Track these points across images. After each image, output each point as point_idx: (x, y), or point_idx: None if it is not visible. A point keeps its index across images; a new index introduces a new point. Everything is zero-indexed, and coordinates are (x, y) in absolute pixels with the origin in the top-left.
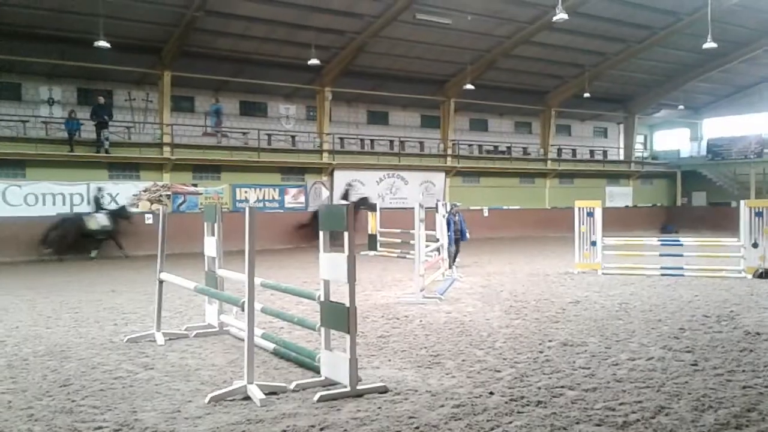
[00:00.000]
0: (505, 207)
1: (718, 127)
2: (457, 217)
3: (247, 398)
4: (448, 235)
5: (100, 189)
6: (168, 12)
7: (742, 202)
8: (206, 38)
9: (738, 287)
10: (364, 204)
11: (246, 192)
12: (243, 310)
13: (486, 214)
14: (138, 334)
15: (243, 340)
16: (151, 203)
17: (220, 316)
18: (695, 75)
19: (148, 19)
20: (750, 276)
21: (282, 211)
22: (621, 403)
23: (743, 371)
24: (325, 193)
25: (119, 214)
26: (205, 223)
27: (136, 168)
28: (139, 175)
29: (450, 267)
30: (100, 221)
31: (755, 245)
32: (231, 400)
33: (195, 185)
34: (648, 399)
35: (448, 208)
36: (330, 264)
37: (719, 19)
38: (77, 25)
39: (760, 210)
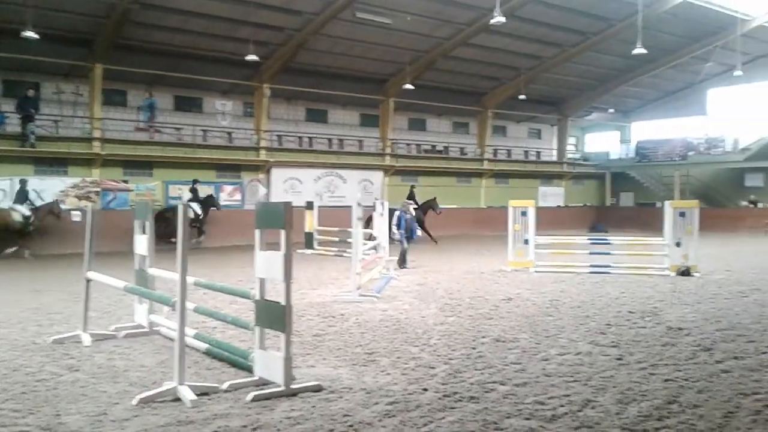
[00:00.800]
0: (442, 206)
1: (646, 130)
2: (408, 216)
3: (178, 399)
4: (400, 233)
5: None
6: (101, 3)
7: (666, 202)
8: (141, 31)
9: (662, 284)
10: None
11: (180, 189)
12: (174, 309)
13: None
14: (63, 335)
15: (174, 340)
16: (79, 200)
17: (150, 316)
18: (625, 80)
19: (80, 10)
20: (673, 273)
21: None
22: (550, 397)
23: (665, 365)
24: (262, 190)
25: (209, 203)
26: (136, 221)
27: (64, 163)
28: (67, 170)
29: (401, 266)
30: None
31: (678, 244)
32: (160, 402)
33: (126, 182)
34: (575, 393)
35: (404, 206)
36: (266, 262)
37: (649, 26)
38: (4, 14)
39: (683, 210)
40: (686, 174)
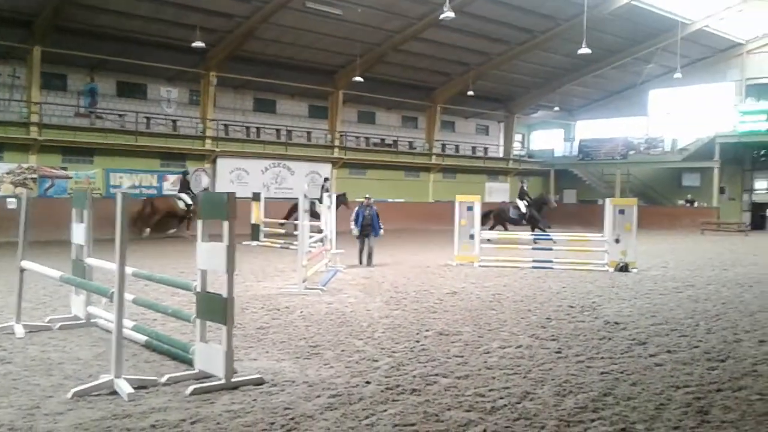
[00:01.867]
0: (390, 200)
1: (590, 129)
2: (368, 211)
3: (114, 393)
4: (358, 229)
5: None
6: None
7: (607, 200)
8: (84, 13)
9: (601, 280)
10: (342, 200)
11: (121, 177)
12: (112, 300)
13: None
14: None
15: (111, 332)
16: (15, 186)
17: (87, 308)
18: (570, 79)
19: None
20: (612, 269)
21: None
22: (490, 390)
23: (602, 358)
24: (206, 180)
25: (339, 201)
26: (74, 209)
27: (0, 148)
28: (2, 156)
29: (361, 262)
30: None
31: (617, 241)
32: (96, 395)
33: (64, 168)
34: (515, 385)
35: (363, 199)
36: (208, 254)
37: (594, 27)
38: None
39: (623, 208)
40: (627, 173)
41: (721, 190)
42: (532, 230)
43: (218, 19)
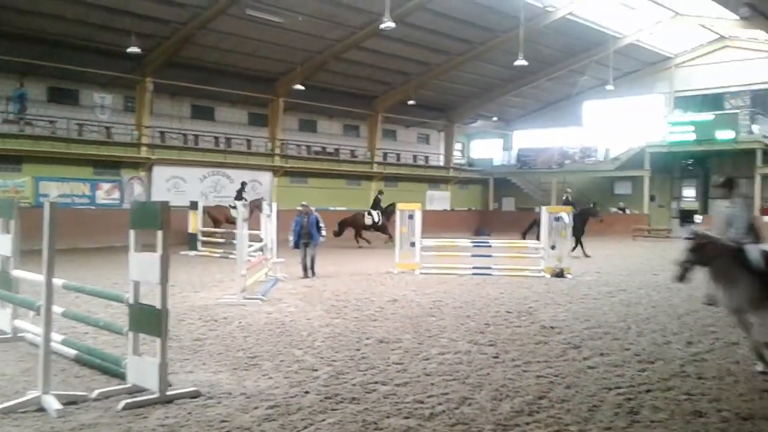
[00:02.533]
0: (332, 208)
1: (527, 138)
2: (306, 219)
3: (42, 409)
4: (294, 240)
5: None
6: None
7: (543, 208)
8: (13, 17)
9: (537, 285)
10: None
11: (51, 186)
12: (39, 313)
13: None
14: None
15: (39, 346)
16: None
17: (13, 321)
18: (508, 90)
19: None
20: (548, 275)
21: (93, 207)
22: (429, 396)
23: (538, 362)
24: (137, 189)
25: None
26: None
27: None
28: None
29: (305, 274)
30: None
31: (553, 247)
32: (23, 412)
33: None
34: (454, 390)
35: (300, 208)
36: (141, 264)
37: (531, 40)
38: None
39: (558, 215)
40: (563, 181)
41: (652, 198)
42: (576, 244)
43: (154, 25)
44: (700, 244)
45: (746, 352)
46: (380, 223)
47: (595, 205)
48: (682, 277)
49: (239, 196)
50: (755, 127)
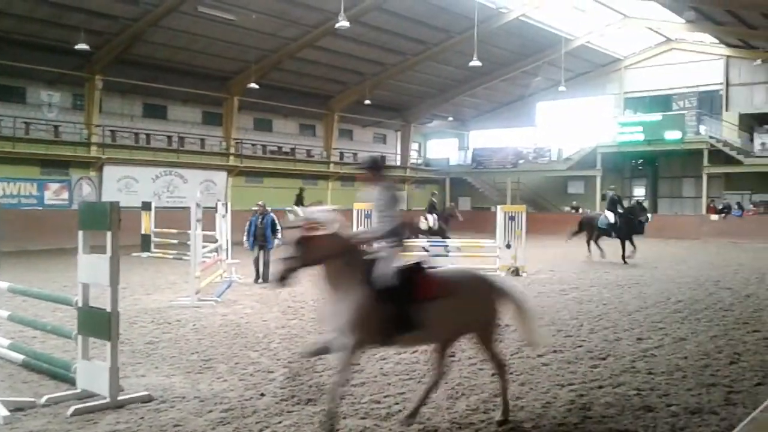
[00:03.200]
0: (288, 208)
1: (483, 138)
2: (262, 220)
3: None
4: (249, 242)
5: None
6: None
7: (498, 207)
8: None
9: None
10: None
11: (0, 186)
12: None
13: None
14: None
15: None
16: None
17: None
18: (463, 90)
19: None
20: (504, 273)
21: (41, 208)
22: (385, 396)
23: None
24: (86, 189)
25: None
26: None
27: None
28: None
29: (257, 278)
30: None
31: (508, 246)
32: None
33: None
34: (410, 390)
35: (255, 207)
36: (90, 266)
37: (485, 41)
38: None
39: (513, 214)
40: (517, 180)
41: (603, 197)
42: (624, 249)
43: (103, 21)
44: (305, 237)
45: (694, 347)
46: (436, 227)
47: (641, 204)
48: (283, 279)
49: (299, 201)
50: (702, 128)
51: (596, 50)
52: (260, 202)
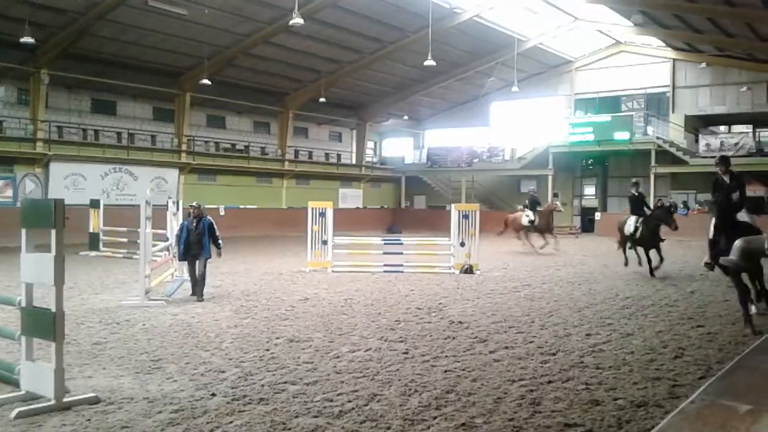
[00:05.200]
0: (242, 206)
1: (438, 138)
2: (197, 225)
3: None
4: (180, 251)
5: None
6: None
7: (452, 205)
8: None
9: (447, 281)
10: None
11: None
12: None
13: (222, 213)
14: None
15: None
16: None
17: None
18: (418, 89)
19: None
20: (458, 271)
21: None
22: (339, 394)
23: (446, 357)
24: (30, 185)
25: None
26: None
27: None
28: None
29: (193, 293)
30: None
31: (462, 244)
32: None
33: None
34: (363, 388)
35: (189, 209)
36: (33, 265)
37: (439, 41)
38: None
39: (467, 213)
40: (472, 179)
41: (555, 196)
42: (648, 257)
43: (49, 14)
44: None
45: (641, 342)
46: (537, 222)
47: (672, 206)
48: None
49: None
50: (650, 129)
51: (548, 51)
52: (194, 203)
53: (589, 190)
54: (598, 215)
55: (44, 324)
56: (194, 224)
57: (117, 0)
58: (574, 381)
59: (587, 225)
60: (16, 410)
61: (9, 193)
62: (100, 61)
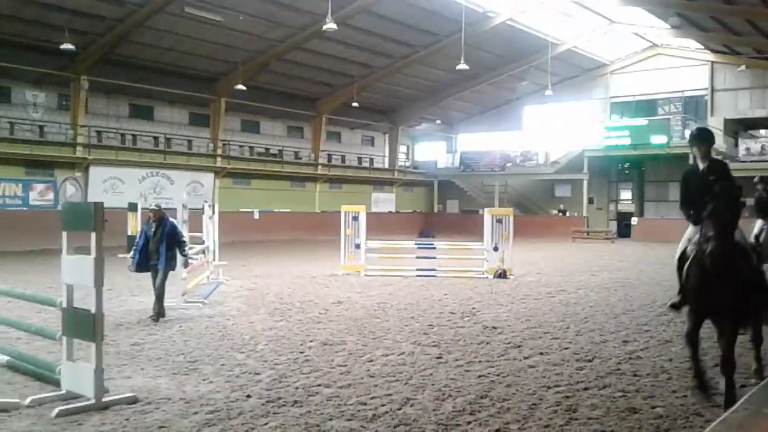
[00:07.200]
0: (276, 210)
1: (470, 141)
2: (155, 230)
3: None
4: (136, 259)
5: None
6: None
7: (485, 210)
8: None
9: (481, 286)
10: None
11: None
12: None
13: (257, 216)
14: None
15: None
16: None
17: None
18: (451, 93)
19: None
20: (491, 276)
21: (26, 209)
22: (372, 397)
23: (479, 362)
24: (70, 189)
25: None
26: None
27: None
28: None
29: (154, 316)
30: None
31: (496, 249)
32: None
33: None
34: (397, 392)
35: (148, 212)
36: (74, 267)
37: (472, 45)
38: None
39: (501, 217)
40: (505, 184)
41: (590, 201)
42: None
43: (88, 21)
44: None
45: (679, 350)
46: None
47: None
48: None
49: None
50: (687, 133)
51: (582, 55)
52: (154, 205)
53: (626, 195)
54: (634, 220)
55: (84, 325)
56: (153, 229)
57: (154, 7)
58: (611, 388)
59: (624, 230)
60: (58, 409)
61: (50, 196)
62: (137, 67)
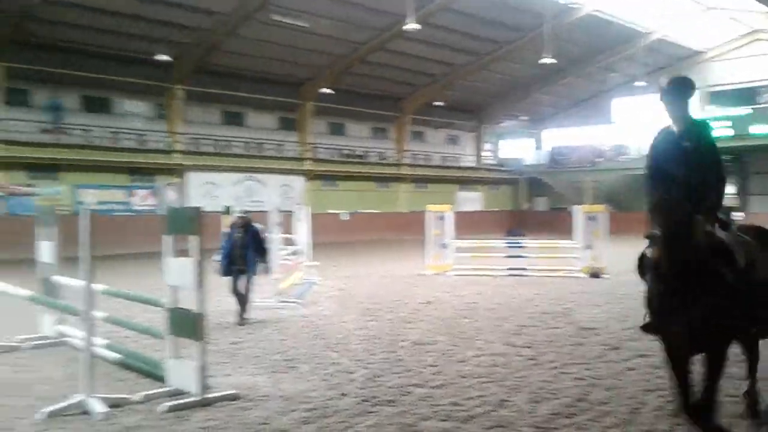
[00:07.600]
0: (362, 211)
1: (557, 137)
2: (239, 235)
3: (87, 412)
4: (223, 265)
5: None
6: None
7: (576, 207)
8: (47, 28)
9: (573, 286)
10: None
11: (93, 193)
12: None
13: (347, 217)
14: None
15: (82, 350)
16: None
17: (58, 327)
18: (537, 88)
19: None
20: (584, 275)
21: (130, 214)
22: (466, 398)
23: (575, 364)
24: (170, 195)
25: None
26: (40, 227)
27: None
28: None
29: (240, 319)
30: None
31: (588, 247)
32: (69, 415)
33: (30, 186)
34: (491, 393)
35: (235, 219)
36: (177, 269)
37: (557, 37)
38: None
39: (593, 215)
40: (596, 180)
41: None
42: None
43: (181, 32)
44: None
45: None
46: None
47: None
48: None
49: None
50: None
51: (675, 43)
52: (241, 213)
53: (727, 188)
54: (738, 215)
55: (188, 324)
56: (238, 236)
57: (243, 16)
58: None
59: (722, 225)
60: (165, 405)
61: (151, 201)
62: (229, 75)
